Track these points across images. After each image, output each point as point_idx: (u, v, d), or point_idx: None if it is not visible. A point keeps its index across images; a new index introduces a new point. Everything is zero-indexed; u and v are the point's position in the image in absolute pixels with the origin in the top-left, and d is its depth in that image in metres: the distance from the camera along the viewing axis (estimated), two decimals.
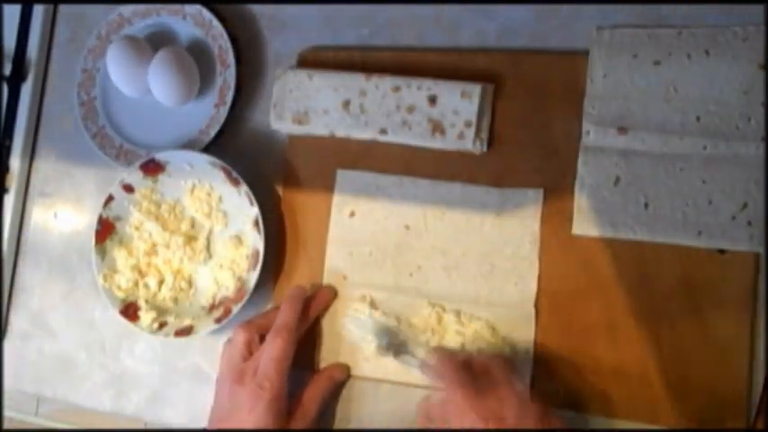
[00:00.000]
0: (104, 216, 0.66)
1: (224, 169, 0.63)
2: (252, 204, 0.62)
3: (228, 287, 0.64)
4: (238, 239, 0.65)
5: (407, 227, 0.60)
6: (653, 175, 0.54)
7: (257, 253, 0.61)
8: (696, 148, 0.53)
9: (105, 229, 0.66)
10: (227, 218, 0.66)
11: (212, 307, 0.64)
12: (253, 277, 0.61)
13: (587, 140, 0.55)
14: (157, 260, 0.66)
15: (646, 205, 0.54)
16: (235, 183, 0.63)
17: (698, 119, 0.53)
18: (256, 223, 0.62)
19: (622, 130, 0.55)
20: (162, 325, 0.63)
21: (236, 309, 0.61)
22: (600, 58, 0.56)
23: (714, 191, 0.52)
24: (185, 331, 0.62)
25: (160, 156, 0.65)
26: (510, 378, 0.51)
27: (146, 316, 0.64)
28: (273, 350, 0.56)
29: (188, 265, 0.66)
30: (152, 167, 0.66)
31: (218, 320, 0.61)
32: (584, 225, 0.55)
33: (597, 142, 0.55)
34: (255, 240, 0.62)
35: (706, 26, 0.54)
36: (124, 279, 0.65)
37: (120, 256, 0.66)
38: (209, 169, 0.64)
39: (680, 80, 0.54)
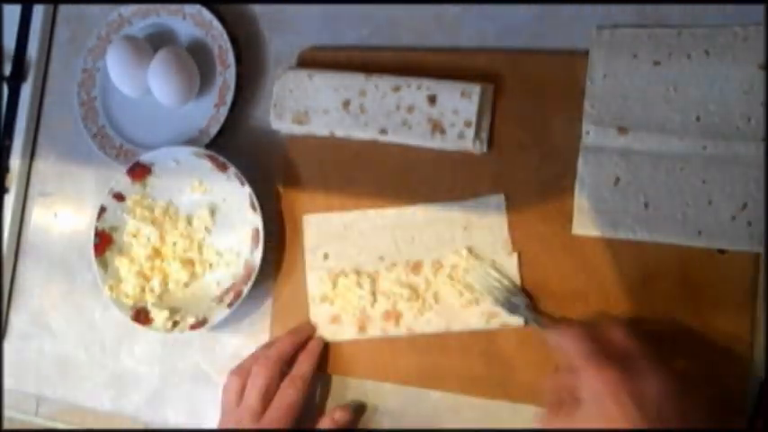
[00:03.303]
0: (100, 228, 0.66)
1: (209, 157, 0.63)
2: (243, 185, 0.62)
3: (235, 272, 0.64)
4: (236, 224, 0.65)
5: (382, 258, 0.60)
6: (653, 175, 0.54)
7: (257, 231, 0.61)
8: (696, 148, 0.53)
9: (103, 242, 0.66)
10: (222, 206, 0.66)
11: (222, 294, 0.64)
12: (257, 256, 0.61)
13: (587, 140, 0.55)
14: (160, 262, 0.66)
15: (646, 205, 0.54)
16: (222, 168, 0.63)
17: (698, 119, 0.53)
18: (251, 202, 0.62)
19: (622, 130, 0.55)
20: (176, 323, 0.63)
21: (246, 289, 0.61)
22: (600, 59, 0.56)
23: (714, 191, 0.52)
24: (200, 323, 0.62)
25: (144, 158, 0.65)
26: (643, 349, 0.45)
27: (158, 317, 0.64)
28: (286, 399, 0.57)
29: (191, 260, 0.66)
30: (138, 171, 0.66)
31: (230, 305, 0.62)
32: (585, 225, 0.55)
33: (597, 142, 0.55)
34: (254, 219, 0.62)
35: (706, 26, 0.54)
36: (130, 286, 0.65)
37: (122, 264, 0.66)
38: (195, 161, 0.64)
39: (680, 80, 0.54)
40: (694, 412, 0.43)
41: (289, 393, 0.57)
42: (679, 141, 0.53)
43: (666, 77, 0.54)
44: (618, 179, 0.54)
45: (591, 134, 0.55)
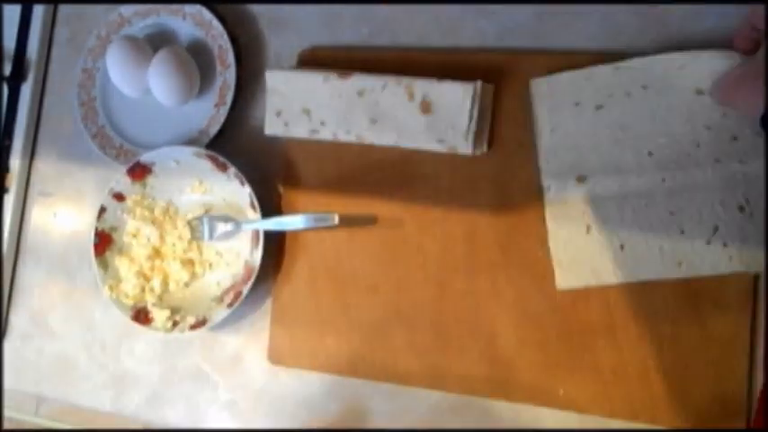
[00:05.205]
0: (100, 228, 0.66)
1: (209, 157, 0.63)
2: (243, 185, 0.62)
3: (235, 273, 0.64)
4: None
5: None
6: (621, 216, 0.53)
7: (257, 232, 0.61)
8: (655, 182, 0.53)
9: (103, 242, 0.66)
10: (222, 206, 0.66)
11: (222, 294, 0.64)
12: (257, 256, 0.61)
13: (549, 195, 0.55)
14: (160, 262, 0.66)
15: (621, 247, 0.53)
16: (222, 168, 0.63)
17: (650, 153, 0.53)
18: (251, 202, 0.62)
19: (581, 178, 0.54)
20: (176, 323, 0.63)
21: (245, 290, 0.61)
22: (544, 113, 0.55)
23: (683, 220, 0.52)
24: (200, 323, 0.62)
25: (145, 157, 0.65)
26: None
27: (159, 317, 0.64)
28: None
29: (191, 260, 0.66)
30: (139, 171, 0.66)
31: (230, 305, 0.62)
32: (567, 279, 0.54)
33: (559, 195, 0.55)
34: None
35: (645, 55, 0.53)
36: (130, 286, 0.65)
37: (122, 264, 0.66)
38: (195, 161, 0.64)
39: (624, 120, 0.54)
40: None
41: None
42: (637, 179, 0.53)
43: (611, 120, 0.54)
44: (589, 227, 0.54)
45: (552, 188, 0.55)
